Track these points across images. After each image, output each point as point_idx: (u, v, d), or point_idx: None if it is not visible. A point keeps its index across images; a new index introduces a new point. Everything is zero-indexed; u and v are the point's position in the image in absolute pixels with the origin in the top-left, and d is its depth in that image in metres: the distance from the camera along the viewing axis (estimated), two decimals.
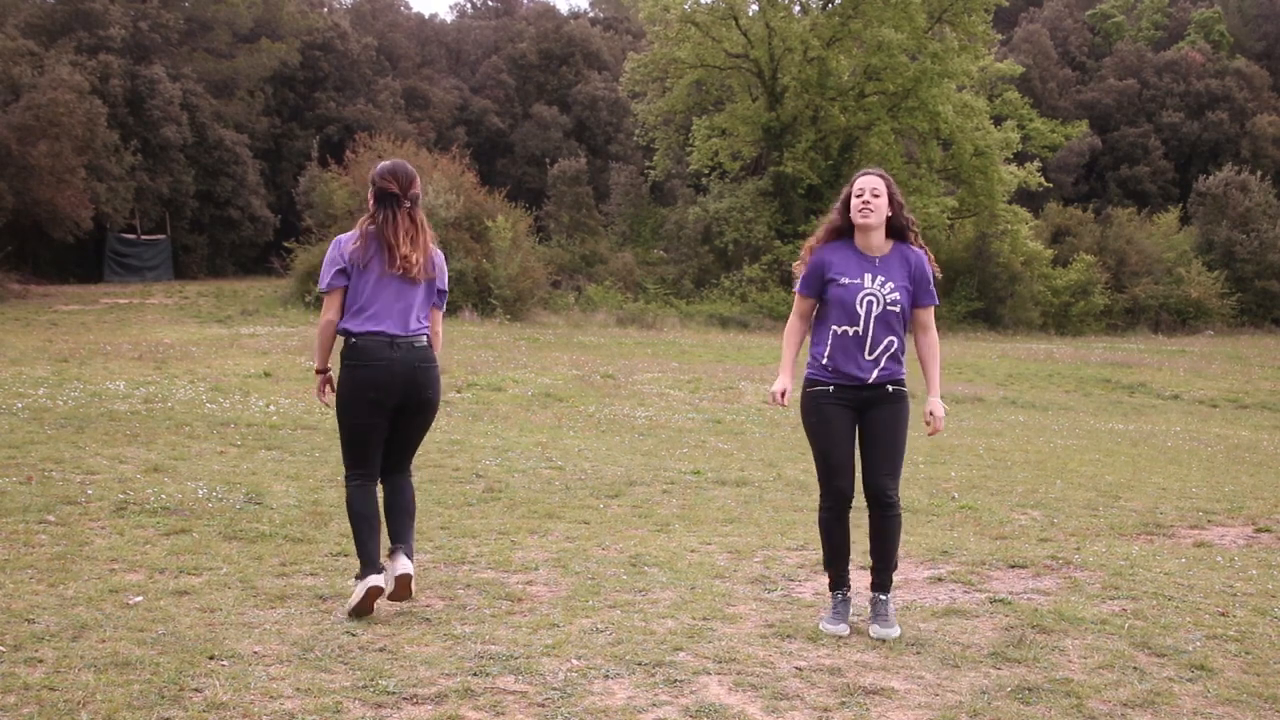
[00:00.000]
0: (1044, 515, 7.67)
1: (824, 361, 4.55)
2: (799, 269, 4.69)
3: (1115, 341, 31.37)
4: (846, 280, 4.50)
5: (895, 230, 4.60)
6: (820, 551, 4.84)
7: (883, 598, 4.58)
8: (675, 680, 3.93)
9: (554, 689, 3.81)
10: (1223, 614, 5.00)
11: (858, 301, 4.49)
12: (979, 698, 3.85)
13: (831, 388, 4.53)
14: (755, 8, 35.55)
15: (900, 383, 4.58)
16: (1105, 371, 21.98)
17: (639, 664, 4.08)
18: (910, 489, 8.46)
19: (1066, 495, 8.56)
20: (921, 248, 4.62)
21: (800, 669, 4.11)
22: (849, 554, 4.69)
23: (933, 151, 35.28)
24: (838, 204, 4.63)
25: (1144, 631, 4.66)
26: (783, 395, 4.59)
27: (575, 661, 4.10)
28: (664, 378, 16.42)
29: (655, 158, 38.35)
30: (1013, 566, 5.83)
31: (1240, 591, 5.47)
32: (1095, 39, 54.71)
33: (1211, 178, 41.32)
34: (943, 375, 20.05)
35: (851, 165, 34.67)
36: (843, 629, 4.52)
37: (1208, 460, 11.38)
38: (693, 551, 6.08)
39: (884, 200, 4.52)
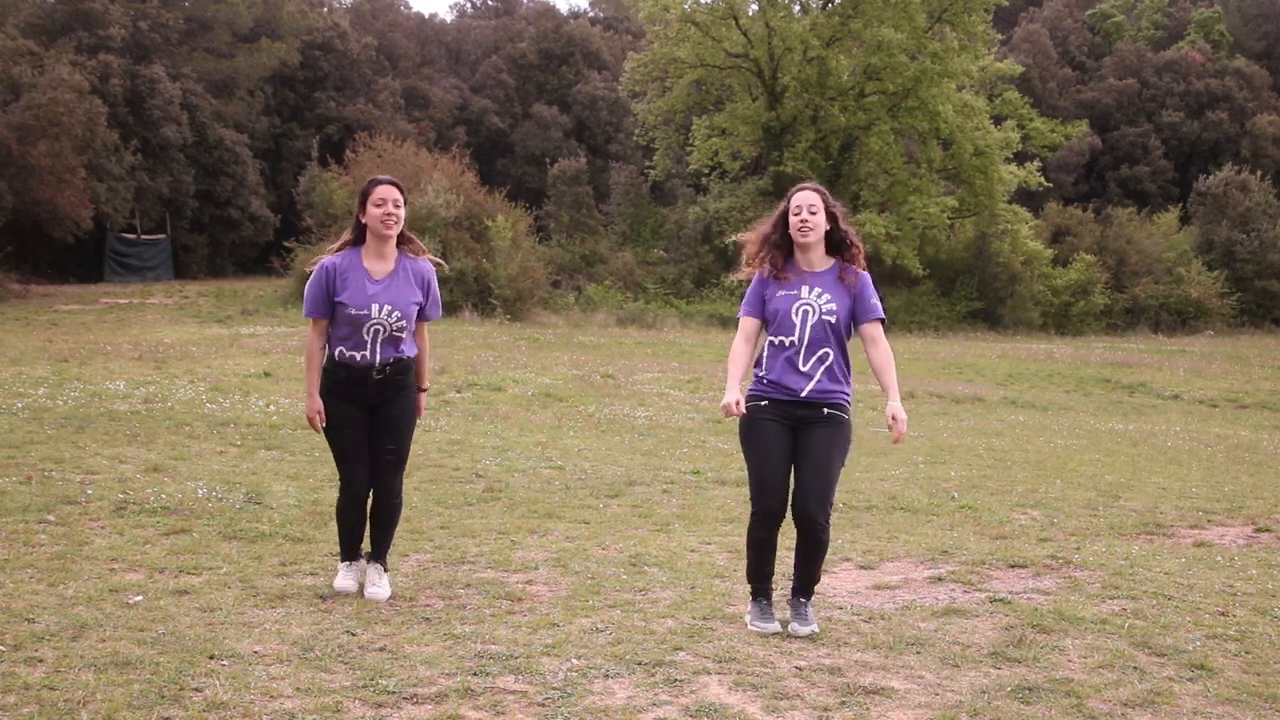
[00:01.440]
0: (1044, 515, 7.67)
1: (762, 373, 4.55)
2: (743, 273, 4.65)
3: (1115, 341, 31.36)
4: (783, 292, 4.50)
5: (834, 245, 4.58)
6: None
7: (803, 600, 4.62)
8: (675, 680, 3.93)
9: (554, 689, 3.81)
10: (1223, 614, 5.00)
11: (793, 311, 4.48)
12: (979, 697, 3.85)
13: (765, 402, 4.52)
14: (755, 7, 35.54)
15: (838, 406, 4.48)
16: (1105, 371, 21.98)
17: (639, 663, 4.08)
18: (910, 489, 8.47)
19: (1066, 495, 8.56)
20: (861, 267, 4.58)
21: (800, 668, 4.11)
22: (773, 572, 4.69)
23: (933, 151, 35.27)
24: (774, 217, 4.60)
25: (1144, 631, 4.66)
26: (736, 404, 4.50)
27: (575, 661, 4.10)
28: (664, 378, 16.42)
29: (655, 157, 38.34)
30: (1013, 566, 5.83)
31: (1240, 591, 5.47)
32: (1095, 39, 54.68)
33: (1211, 177, 41.29)
34: (943, 375, 19.85)
35: (851, 165, 34.66)
36: (773, 626, 4.53)
37: (1208, 460, 11.38)
38: (693, 551, 6.08)
39: (821, 216, 4.51)
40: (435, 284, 4.94)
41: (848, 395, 4.54)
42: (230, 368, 14.46)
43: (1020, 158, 38.04)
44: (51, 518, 6.14)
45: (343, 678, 3.87)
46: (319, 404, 4.87)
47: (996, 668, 4.17)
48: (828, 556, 5.87)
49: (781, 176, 34.23)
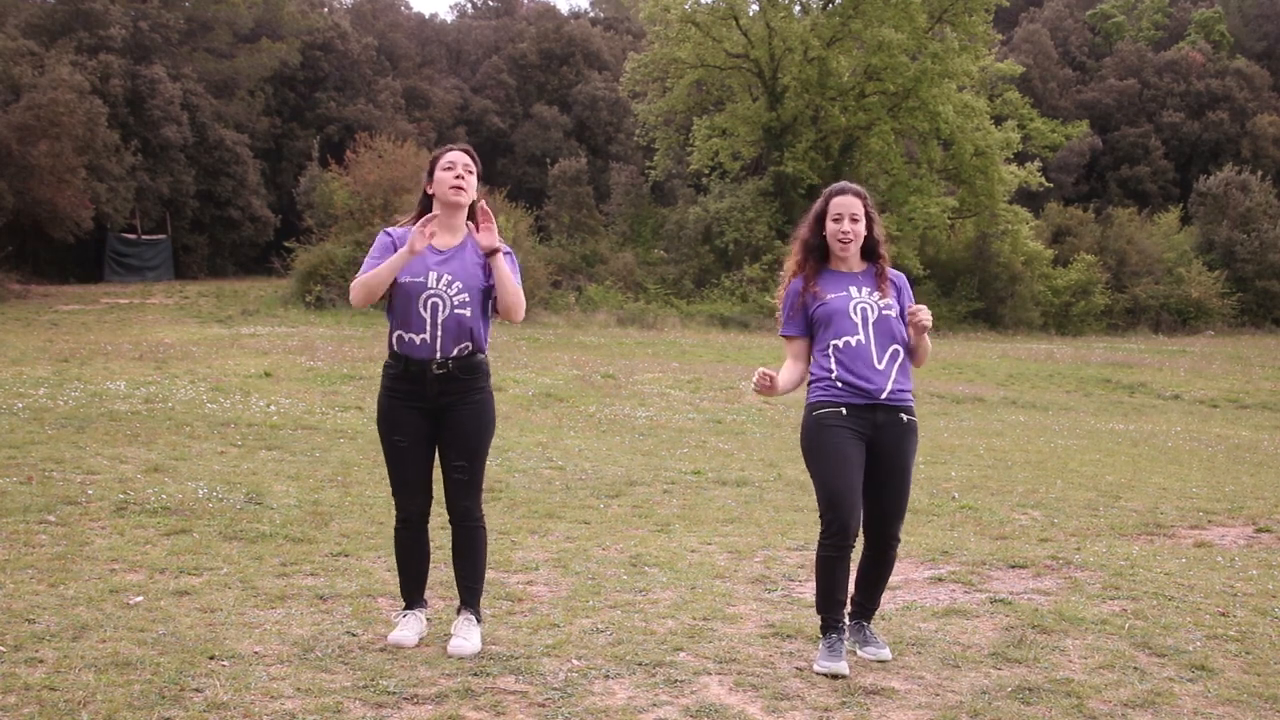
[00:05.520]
0: (1044, 515, 7.67)
1: (833, 377, 4.18)
2: (780, 299, 4.37)
3: (1116, 341, 31.36)
4: (831, 295, 4.22)
5: (868, 250, 4.33)
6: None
7: (866, 623, 4.36)
8: (675, 680, 3.93)
9: (554, 689, 3.81)
10: (1223, 614, 5.00)
11: (850, 310, 4.19)
12: (979, 698, 3.84)
13: (844, 409, 4.16)
14: (755, 8, 35.55)
15: (912, 410, 4.27)
16: (1106, 371, 21.97)
17: (639, 664, 4.08)
18: (910, 489, 8.46)
19: (1067, 495, 8.55)
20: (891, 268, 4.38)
21: (801, 669, 4.11)
22: (847, 598, 4.25)
23: (933, 151, 35.28)
24: (809, 219, 4.34)
25: (1144, 631, 4.66)
26: (764, 376, 4.17)
27: (575, 661, 4.10)
28: (664, 378, 16.42)
29: (655, 158, 38.35)
30: (1013, 566, 5.83)
31: (1240, 591, 5.47)
32: (1095, 39, 54.67)
33: (1212, 178, 41.30)
34: (943, 376, 19.75)
35: (852, 165, 34.65)
36: (842, 666, 4.06)
37: (1208, 460, 11.37)
38: (693, 551, 6.08)
39: (862, 225, 4.25)
40: (515, 266, 4.29)
41: (912, 399, 4.33)
42: (231, 368, 14.46)
43: (1021, 158, 38.04)
44: (52, 518, 6.14)
45: (343, 678, 3.87)
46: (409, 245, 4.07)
47: (997, 668, 4.17)
48: None
49: (782, 177, 34.24)
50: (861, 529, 4.32)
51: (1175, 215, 41.74)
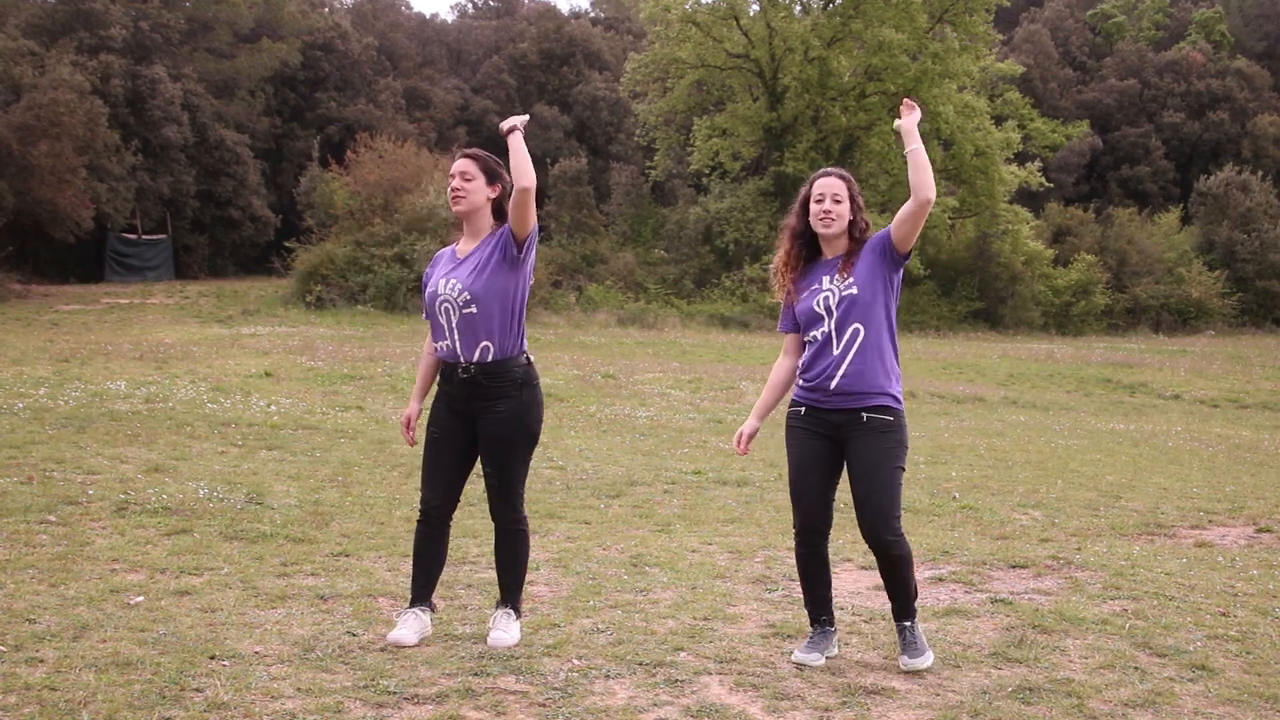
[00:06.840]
0: (1045, 515, 7.67)
1: (799, 377, 4.25)
2: (779, 294, 4.37)
3: (1116, 341, 31.36)
4: (805, 294, 4.22)
5: (854, 236, 4.24)
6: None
7: (907, 624, 4.19)
8: (676, 680, 3.93)
9: (555, 689, 3.82)
10: (1224, 614, 5.00)
11: (815, 304, 4.16)
12: (980, 697, 3.85)
13: (803, 409, 4.20)
14: (756, 8, 35.56)
15: (879, 409, 4.09)
16: (1106, 371, 21.97)
17: (640, 664, 4.08)
18: (911, 489, 8.46)
19: (1067, 495, 8.55)
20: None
21: (801, 669, 4.11)
22: (827, 590, 4.28)
23: (933, 152, 35.18)
24: (795, 206, 4.32)
25: (1145, 631, 4.66)
26: (742, 439, 4.32)
27: (576, 661, 4.10)
28: (665, 378, 16.42)
29: (656, 158, 38.35)
30: (1014, 566, 5.83)
31: (1241, 591, 5.47)
32: (1096, 39, 54.67)
33: (1212, 178, 41.30)
34: (943, 375, 19.68)
35: (852, 165, 34.65)
36: (815, 658, 4.15)
37: (1209, 460, 11.37)
38: (694, 551, 6.08)
39: (845, 206, 4.18)
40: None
41: (891, 394, 4.12)
42: (231, 368, 14.46)
43: (1021, 158, 38.04)
44: (53, 518, 6.14)
45: (344, 678, 3.87)
46: (413, 409, 4.48)
47: (997, 668, 4.17)
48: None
49: (782, 177, 34.24)
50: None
51: (1175, 215, 41.75)
